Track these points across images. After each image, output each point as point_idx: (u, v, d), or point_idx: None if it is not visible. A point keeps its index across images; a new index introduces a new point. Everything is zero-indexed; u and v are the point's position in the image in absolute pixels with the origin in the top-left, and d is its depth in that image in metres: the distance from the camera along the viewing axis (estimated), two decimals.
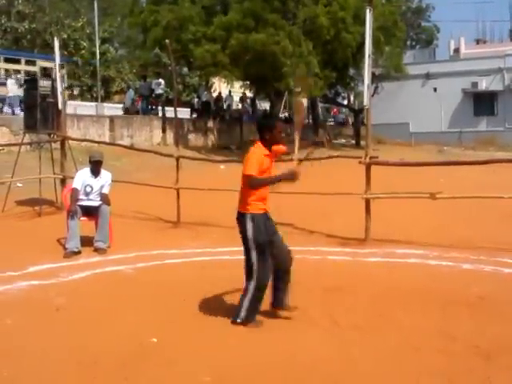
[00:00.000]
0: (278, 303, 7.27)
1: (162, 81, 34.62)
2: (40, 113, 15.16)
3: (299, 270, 9.29)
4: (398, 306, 7.17)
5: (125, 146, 21.56)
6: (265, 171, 6.88)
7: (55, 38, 16.85)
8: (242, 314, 6.94)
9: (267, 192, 7.07)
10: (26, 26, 39.82)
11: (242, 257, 7.01)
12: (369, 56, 11.41)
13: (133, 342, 6.38)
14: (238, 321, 6.94)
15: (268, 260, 6.93)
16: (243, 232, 6.96)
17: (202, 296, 8.06)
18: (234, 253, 10.35)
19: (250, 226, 6.89)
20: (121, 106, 37.80)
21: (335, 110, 61.93)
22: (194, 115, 38.69)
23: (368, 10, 11.48)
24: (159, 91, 34.24)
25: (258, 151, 6.93)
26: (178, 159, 13.96)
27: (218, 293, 8.15)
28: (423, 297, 7.95)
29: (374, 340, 6.52)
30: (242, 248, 6.97)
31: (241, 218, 6.97)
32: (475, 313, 7.43)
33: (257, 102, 46.58)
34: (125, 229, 12.55)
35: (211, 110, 38.33)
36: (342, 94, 54.04)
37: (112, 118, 30.83)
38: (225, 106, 40.73)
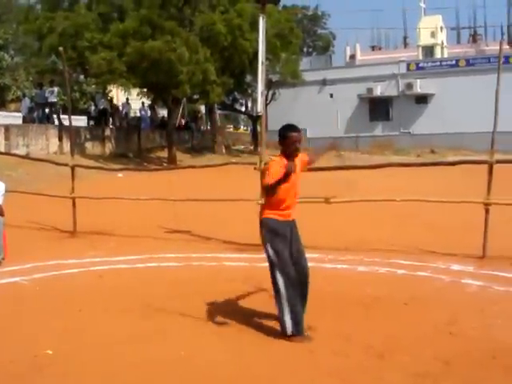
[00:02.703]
0: None
1: (55, 89, 33.91)
2: None
3: (195, 276, 9.34)
4: None
5: (19, 156, 21.21)
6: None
7: None
8: (285, 328, 6.68)
9: (288, 198, 7.06)
10: None
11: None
12: (262, 63, 11.48)
13: (27, 355, 6.27)
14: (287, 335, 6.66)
15: (286, 268, 6.75)
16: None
17: (98, 305, 8.00)
18: (131, 261, 10.32)
19: (263, 231, 6.88)
20: (17, 114, 36.99)
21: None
22: (92, 123, 38.30)
23: (261, 18, 11.56)
24: (53, 99, 33.60)
25: (275, 162, 6.90)
26: (73, 168, 13.75)
27: (115, 302, 8.09)
28: (317, 300, 7.88)
29: (268, 343, 6.58)
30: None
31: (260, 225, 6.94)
32: (370, 314, 7.60)
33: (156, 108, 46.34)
34: (20, 240, 12.27)
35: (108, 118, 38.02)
36: (240, 101, 54.32)
37: (7, 127, 30.10)
38: (122, 114, 40.37)
